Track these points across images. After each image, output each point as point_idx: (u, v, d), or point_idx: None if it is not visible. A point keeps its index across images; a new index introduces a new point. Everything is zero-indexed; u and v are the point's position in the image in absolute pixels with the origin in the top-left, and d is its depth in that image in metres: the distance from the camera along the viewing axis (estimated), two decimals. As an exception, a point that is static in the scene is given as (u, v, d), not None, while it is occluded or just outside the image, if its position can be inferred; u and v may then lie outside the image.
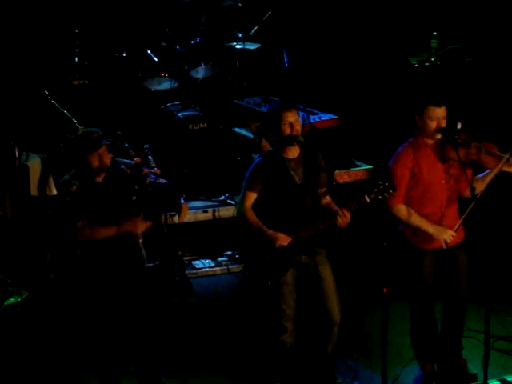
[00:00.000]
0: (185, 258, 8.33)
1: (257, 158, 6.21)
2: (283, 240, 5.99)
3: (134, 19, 9.48)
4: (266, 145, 8.43)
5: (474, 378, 6.33)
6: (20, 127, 8.05)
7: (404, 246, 6.23)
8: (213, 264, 8.29)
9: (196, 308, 7.44)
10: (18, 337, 6.56)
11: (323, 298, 6.15)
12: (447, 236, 6.02)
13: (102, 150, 5.71)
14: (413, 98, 6.23)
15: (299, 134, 6.01)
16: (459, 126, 5.93)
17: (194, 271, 8.19)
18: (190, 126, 8.90)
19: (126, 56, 9.33)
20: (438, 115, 5.91)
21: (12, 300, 6.55)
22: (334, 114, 8.86)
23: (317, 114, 8.79)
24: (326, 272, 6.15)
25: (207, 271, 8.21)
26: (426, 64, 9.11)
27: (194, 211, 8.55)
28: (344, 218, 5.90)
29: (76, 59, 9.21)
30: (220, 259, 8.31)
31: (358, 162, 8.54)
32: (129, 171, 5.85)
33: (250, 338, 6.93)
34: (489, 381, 5.95)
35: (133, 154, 7.58)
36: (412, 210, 6.06)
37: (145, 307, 5.90)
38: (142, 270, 5.94)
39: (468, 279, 6.22)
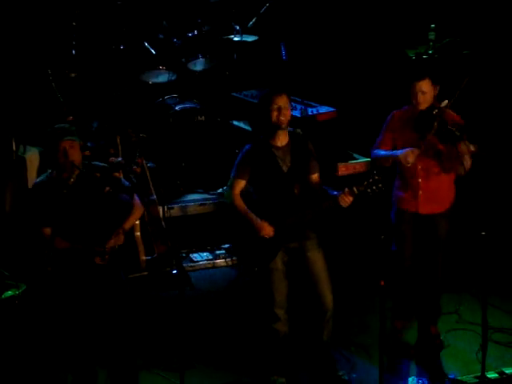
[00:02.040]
0: (183, 251, 8.33)
1: (246, 145, 6.20)
2: (267, 231, 6.01)
3: (132, 12, 9.46)
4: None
5: (441, 345, 6.64)
6: (17, 120, 8.04)
7: (392, 209, 6.62)
8: (211, 257, 8.29)
9: (194, 301, 7.44)
10: (14, 330, 6.55)
11: (315, 284, 6.14)
12: (406, 153, 6.23)
13: (72, 143, 5.63)
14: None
15: (287, 121, 5.98)
16: (444, 103, 6.18)
17: (192, 264, 8.18)
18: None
19: (124, 49, 9.31)
20: (419, 89, 6.20)
21: (10, 293, 6.53)
22: (332, 107, 8.84)
23: (315, 106, 8.78)
24: (317, 257, 6.14)
25: (205, 264, 8.21)
26: (424, 56, 9.09)
27: (191, 204, 8.56)
28: (345, 199, 5.92)
29: (73, 52, 9.19)
30: (218, 252, 8.31)
31: (356, 155, 8.54)
32: (98, 175, 5.74)
33: (247, 331, 6.93)
34: (487, 373, 5.97)
35: (112, 151, 7.58)
36: (380, 150, 6.43)
37: (116, 305, 5.82)
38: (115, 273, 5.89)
39: (444, 246, 6.53)
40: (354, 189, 5.91)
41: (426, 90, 6.21)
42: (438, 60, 8.92)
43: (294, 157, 6.09)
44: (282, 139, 6.08)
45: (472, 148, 6.11)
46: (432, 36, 9.16)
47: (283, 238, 6.07)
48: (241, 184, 6.12)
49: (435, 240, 6.51)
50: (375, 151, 6.50)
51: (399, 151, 6.31)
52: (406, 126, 6.36)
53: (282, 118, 5.95)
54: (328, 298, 6.14)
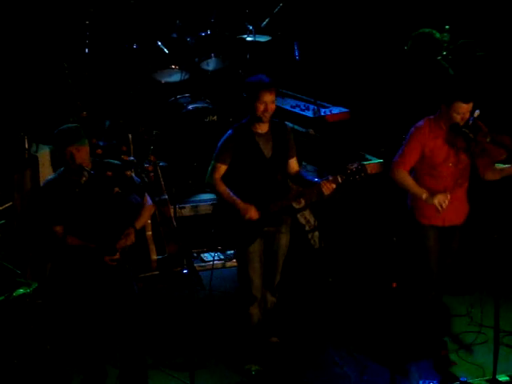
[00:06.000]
0: (194, 251, 8.32)
1: (228, 130, 6.29)
2: (253, 214, 6.12)
3: (145, 11, 9.46)
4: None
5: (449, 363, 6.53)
6: (29, 118, 8.04)
7: (410, 223, 6.37)
8: (222, 257, 8.27)
9: (204, 301, 7.43)
10: (25, 328, 6.55)
11: (273, 266, 6.43)
12: (440, 198, 6.10)
13: (78, 147, 5.56)
14: (443, 87, 6.27)
15: (270, 115, 6.10)
16: (476, 113, 6.07)
17: (203, 264, 8.18)
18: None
19: (137, 48, 9.32)
20: (464, 110, 6.03)
21: (21, 291, 6.53)
22: (345, 108, 8.82)
23: (328, 107, 8.76)
24: (285, 242, 6.40)
25: (216, 264, 8.19)
26: (438, 58, 9.05)
27: (203, 204, 8.55)
28: (328, 187, 6.04)
29: (86, 50, 9.20)
30: (229, 252, 8.29)
31: (368, 156, 8.50)
32: (110, 174, 5.71)
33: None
34: (498, 376, 5.95)
35: (124, 148, 7.57)
36: (409, 176, 6.23)
37: (126, 306, 5.80)
38: (125, 273, 5.87)
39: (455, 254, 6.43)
40: (338, 177, 6.03)
41: (468, 111, 6.07)
42: (452, 61, 8.89)
43: (276, 143, 6.21)
44: (263, 127, 6.19)
45: (487, 139, 6.04)
46: (446, 37, 9.13)
47: (265, 222, 6.20)
48: (222, 169, 6.20)
49: (449, 250, 6.40)
50: (403, 174, 6.23)
51: (424, 195, 6.15)
52: (435, 139, 6.17)
53: (266, 114, 6.09)
54: (277, 280, 6.48)
